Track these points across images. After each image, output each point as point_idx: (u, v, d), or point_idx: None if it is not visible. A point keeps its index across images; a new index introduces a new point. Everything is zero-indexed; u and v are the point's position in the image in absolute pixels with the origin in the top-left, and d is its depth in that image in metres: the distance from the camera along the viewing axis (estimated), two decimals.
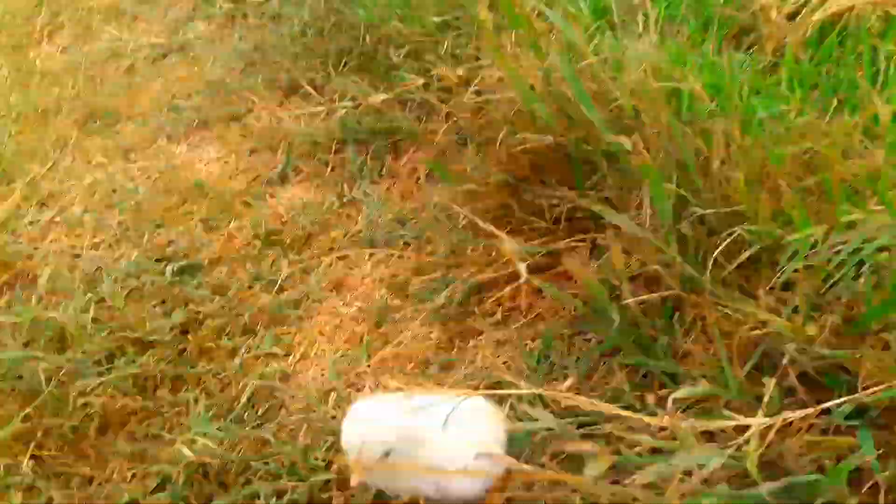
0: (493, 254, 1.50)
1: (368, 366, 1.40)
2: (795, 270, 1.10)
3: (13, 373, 1.36)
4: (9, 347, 1.39)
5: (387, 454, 1.03)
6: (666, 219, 1.22)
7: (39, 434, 1.25)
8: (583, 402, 1.01)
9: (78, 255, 1.71)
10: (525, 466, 1.03)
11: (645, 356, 1.20)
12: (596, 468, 0.94)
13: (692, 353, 1.19)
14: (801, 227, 1.12)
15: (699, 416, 1.13)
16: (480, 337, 1.40)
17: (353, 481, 0.98)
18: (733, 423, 0.99)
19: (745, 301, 1.16)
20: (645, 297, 1.22)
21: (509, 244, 1.33)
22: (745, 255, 1.18)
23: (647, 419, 1.00)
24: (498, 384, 1.28)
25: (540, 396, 1.14)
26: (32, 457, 1.23)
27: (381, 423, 1.10)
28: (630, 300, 1.18)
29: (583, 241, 1.45)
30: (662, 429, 1.04)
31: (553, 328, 1.37)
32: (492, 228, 1.38)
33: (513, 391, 1.06)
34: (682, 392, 1.05)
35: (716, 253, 1.18)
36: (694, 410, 1.12)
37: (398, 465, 1.04)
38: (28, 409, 1.27)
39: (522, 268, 1.25)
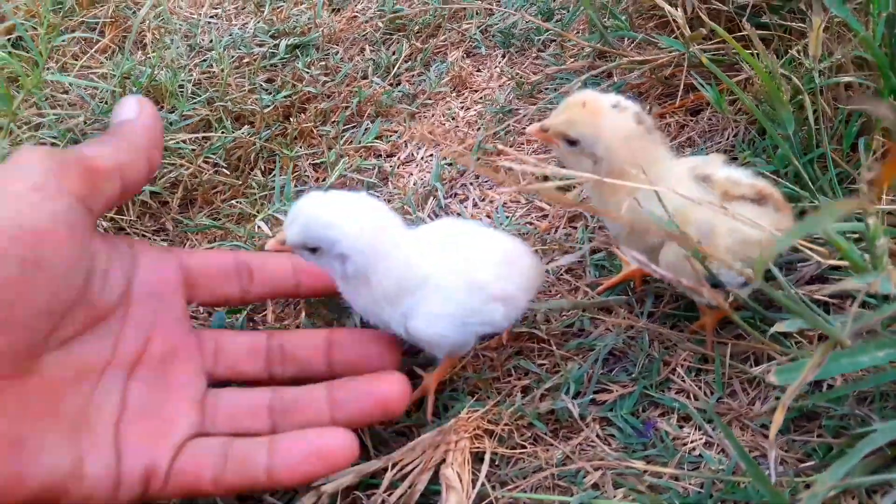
0: (651, 52, 1.31)
1: (477, 176, 1.29)
2: None
3: (104, 121, 1.34)
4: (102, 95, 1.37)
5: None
6: (885, 5, 0.97)
7: None
8: None
9: (195, 24, 1.66)
10: None
11: (812, 187, 1.00)
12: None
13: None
14: None
15: None
16: None
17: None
18: None
19: None
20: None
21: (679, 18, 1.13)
22: None
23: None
24: None
25: None
26: (110, 220, 1.23)
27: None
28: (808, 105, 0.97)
29: (767, 45, 1.22)
30: None
31: (703, 153, 1.19)
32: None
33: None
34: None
35: None
36: None
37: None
38: None
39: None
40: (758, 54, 1.00)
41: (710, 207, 0.80)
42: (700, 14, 1.15)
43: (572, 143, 0.90)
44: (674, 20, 1.11)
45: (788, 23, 1.18)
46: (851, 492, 0.79)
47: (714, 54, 1.21)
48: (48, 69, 1.42)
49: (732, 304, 0.94)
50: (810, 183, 0.98)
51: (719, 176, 0.88)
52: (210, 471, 0.79)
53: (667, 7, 1.13)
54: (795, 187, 1.01)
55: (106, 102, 1.36)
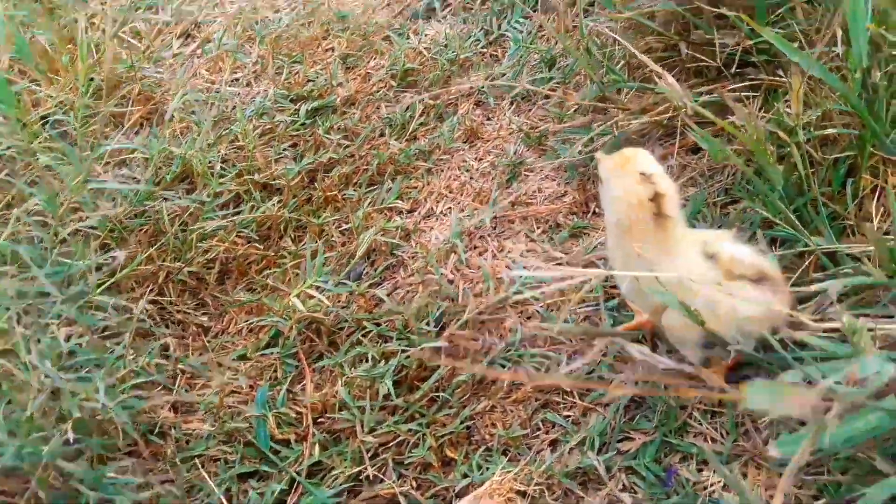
0: (648, 99, 1.38)
1: (493, 227, 1.37)
2: None
3: (140, 210, 1.44)
4: (139, 184, 1.47)
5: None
6: (857, 63, 1.03)
7: (161, 278, 1.34)
8: None
9: (216, 91, 1.76)
10: None
11: (804, 230, 1.06)
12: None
13: (861, 231, 1.05)
14: None
15: (856, 307, 1.01)
16: None
17: None
18: None
19: None
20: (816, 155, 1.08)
21: (670, 82, 1.21)
22: None
23: (811, 322, 0.89)
24: None
25: None
26: (152, 301, 1.33)
27: None
28: (797, 159, 1.04)
29: (756, 90, 1.29)
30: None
31: (704, 194, 1.26)
32: (650, 63, 1.25)
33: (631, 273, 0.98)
34: (841, 282, 0.93)
35: None
36: (852, 300, 0.99)
37: None
38: (151, 251, 1.35)
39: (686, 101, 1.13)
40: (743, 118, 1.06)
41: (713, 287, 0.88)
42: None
43: None
44: (658, 77, 1.18)
45: (778, 58, 1.24)
46: None
47: (709, 98, 1.28)
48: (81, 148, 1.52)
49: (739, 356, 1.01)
50: (802, 226, 1.05)
51: (725, 255, 0.94)
52: None
53: (654, 66, 1.19)
54: (790, 229, 1.07)
55: (138, 194, 1.44)
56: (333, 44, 1.84)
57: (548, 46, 1.61)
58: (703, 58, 1.29)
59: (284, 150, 1.57)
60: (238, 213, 1.44)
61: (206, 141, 1.54)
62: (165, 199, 1.43)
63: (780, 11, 1.26)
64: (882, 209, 1.08)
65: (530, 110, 1.54)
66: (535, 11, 1.73)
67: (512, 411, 1.13)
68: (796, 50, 1.00)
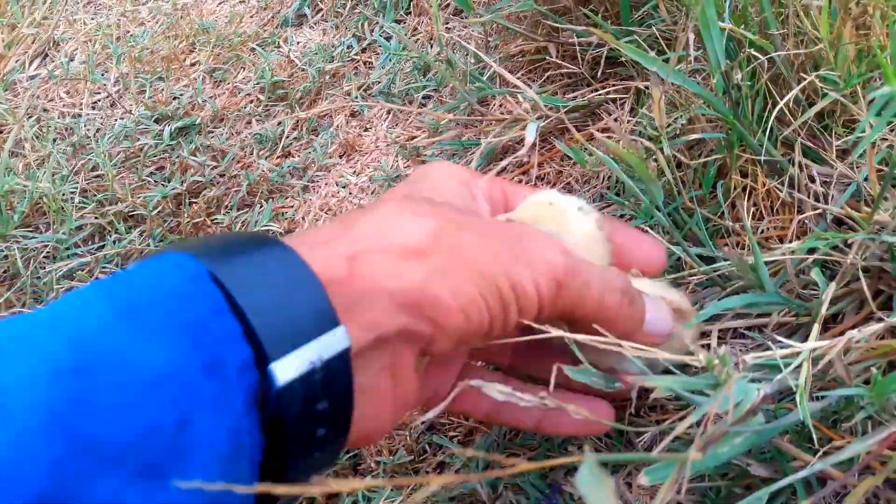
0: (520, 107, 1.38)
1: None
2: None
3: None
4: None
5: None
6: (716, 66, 1.05)
7: None
8: None
9: (77, 115, 1.68)
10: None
11: (679, 234, 1.07)
12: None
13: (735, 233, 1.06)
14: (890, 79, 0.94)
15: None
16: None
17: None
18: (778, 352, 0.87)
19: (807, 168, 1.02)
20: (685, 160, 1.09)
21: (526, 95, 1.20)
22: (813, 109, 1.02)
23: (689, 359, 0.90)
24: None
25: None
26: None
27: None
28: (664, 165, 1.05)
29: (625, 92, 1.30)
30: None
31: (585, 195, 1.26)
32: (505, 73, 1.25)
33: None
34: (716, 306, 0.94)
35: (778, 108, 1.02)
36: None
37: None
38: (8, 294, 1.28)
39: (531, 131, 1.13)
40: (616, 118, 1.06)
41: None
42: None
43: None
44: (518, 99, 1.17)
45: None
46: None
47: (581, 101, 1.28)
48: None
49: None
50: (677, 230, 1.05)
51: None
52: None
53: (511, 78, 1.19)
54: (669, 236, 1.08)
55: None
56: (199, 57, 1.78)
57: (420, 53, 1.58)
58: (567, 65, 1.29)
59: (151, 174, 1.51)
60: (102, 247, 1.38)
61: (60, 172, 1.46)
62: (17, 241, 1.35)
63: (645, 8, 1.27)
64: (754, 209, 1.09)
65: (407, 120, 1.52)
66: (408, 14, 1.71)
67: (398, 436, 1.10)
68: (652, 58, 0.99)
